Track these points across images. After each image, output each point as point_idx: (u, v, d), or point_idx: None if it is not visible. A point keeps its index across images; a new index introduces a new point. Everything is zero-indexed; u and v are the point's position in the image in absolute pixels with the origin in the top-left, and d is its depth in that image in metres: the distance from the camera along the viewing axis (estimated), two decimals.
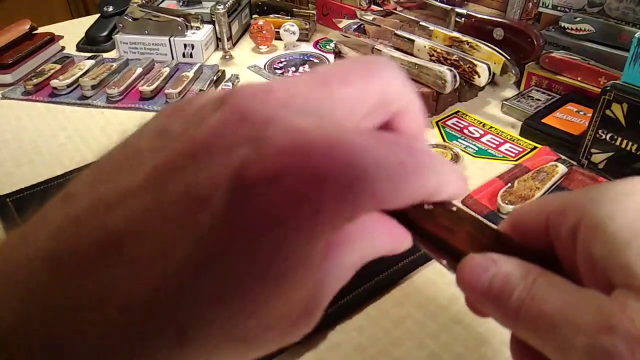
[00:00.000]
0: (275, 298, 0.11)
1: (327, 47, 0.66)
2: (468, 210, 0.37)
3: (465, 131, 0.47)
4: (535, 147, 0.44)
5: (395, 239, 0.14)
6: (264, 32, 0.63)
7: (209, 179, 0.10)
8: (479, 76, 0.46)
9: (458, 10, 0.53)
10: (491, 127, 0.47)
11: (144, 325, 0.10)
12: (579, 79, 0.49)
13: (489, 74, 0.46)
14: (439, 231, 0.15)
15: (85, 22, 0.70)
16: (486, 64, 0.46)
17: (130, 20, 0.60)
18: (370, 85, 0.12)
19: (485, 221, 0.16)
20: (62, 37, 0.65)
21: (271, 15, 0.69)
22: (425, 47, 0.49)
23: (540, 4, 0.53)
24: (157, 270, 0.10)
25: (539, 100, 0.49)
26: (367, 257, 0.13)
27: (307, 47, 0.66)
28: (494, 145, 0.45)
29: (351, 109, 0.12)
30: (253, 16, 0.72)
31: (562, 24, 0.50)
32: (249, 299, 0.10)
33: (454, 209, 0.16)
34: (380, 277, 0.30)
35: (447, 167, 0.13)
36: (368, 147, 0.11)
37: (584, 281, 0.13)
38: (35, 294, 0.10)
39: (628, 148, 0.37)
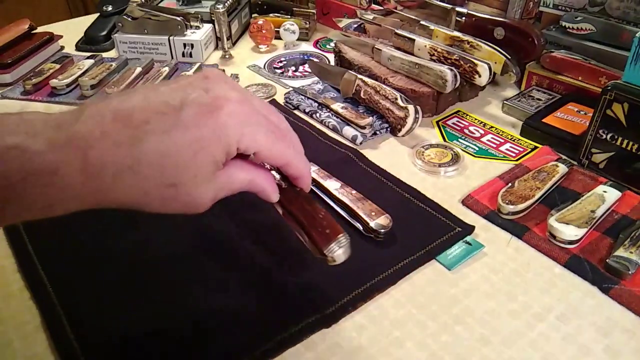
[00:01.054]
0: (188, 166, 0.21)
1: (327, 46, 0.66)
2: (469, 210, 0.37)
3: (466, 131, 0.47)
4: (535, 147, 0.44)
5: (267, 191, 0.25)
6: (263, 31, 0.63)
7: (177, 100, 0.21)
8: (479, 76, 0.46)
9: (459, 9, 0.53)
10: (492, 127, 0.47)
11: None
12: (579, 78, 0.48)
13: (490, 74, 0.46)
14: (282, 200, 0.26)
15: (85, 22, 0.70)
16: (487, 63, 0.46)
17: (129, 19, 0.60)
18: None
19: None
20: (61, 36, 0.65)
21: (271, 15, 0.69)
22: (425, 46, 0.49)
23: (541, 4, 0.53)
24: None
25: (539, 100, 0.49)
26: (245, 188, 0.24)
27: (307, 47, 0.65)
28: (494, 145, 0.45)
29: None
30: (253, 15, 0.72)
31: (563, 24, 0.50)
32: (176, 161, 0.21)
33: (299, 189, 0.27)
34: (380, 277, 0.30)
35: (302, 155, 0.26)
36: (260, 114, 0.24)
37: None
38: (59, 136, 0.20)
39: (629, 148, 0.37)
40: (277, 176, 0.27)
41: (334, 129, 0.47)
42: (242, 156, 0.24)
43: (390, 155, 0.43)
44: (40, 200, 0.19)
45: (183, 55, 0.61)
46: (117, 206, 0.21)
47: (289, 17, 0.69)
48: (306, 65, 0.60)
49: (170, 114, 0.21)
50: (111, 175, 0.20)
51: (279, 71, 0.59)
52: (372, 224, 0.33)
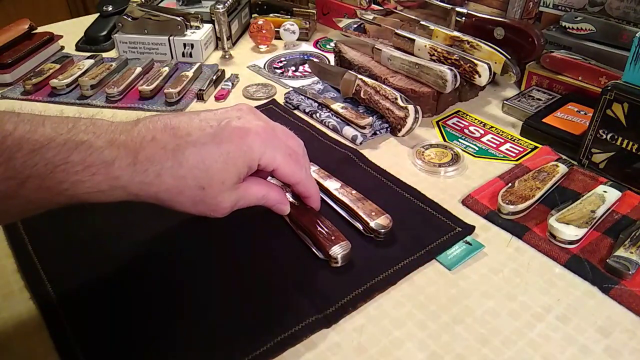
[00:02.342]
0: (217, 173, 0.26)
1: (327, 46, 0.66)
2: (469, 210, 0.37)
3: (466, 131, 0.47)
4: (535, 147, 0.44)
5: (279, 206, 0.31)
6: (263, 31, 0.63)
7: (215, 122, 0.27)
8: (479, 76, 0.46)
9: (459, 9, 0.53)
10: (492, 127, 0.47)
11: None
12: (579, 78, 0.48)
13: (490, 74, 0.46)
14: (295, 215, 0.33)
15: (85, 22, 0.70)
16: (487, 63, 0.46)
17: (129, 19, 0.60)
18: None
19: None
20: (61, 36, 0.65)
21: (271, 15, 0.69)
22: (425, 46, 0.49)
23: (541, 3, 0.53)
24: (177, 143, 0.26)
25: (539, 100, 0.49)
26: (260, 202, 0.30)
27: (307, 47, 0.66)
28: (494, 145, 0.45)
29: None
30: (253, 15, 0.72)
31: (563, 24, 0.50)
32: (208, 168, 0.26)
33: (309, 207, 0.33)
34: (380, 277, 0.30)
35: (312, 178, 0.33)
36: (280, 140, 0.29)
37: None
38: (118, 137, 0.25)
39: (629, 148, 0.37)
40: (291, 198, 0.34)
41: (334, 129, 0.47)
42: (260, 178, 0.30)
43: (390, 155, 0.43)
44: (96, 185, 0.24)
45: (183, 55, 0.61)
46: (154, 201, 0.26)
47: (289, 17, 0.69)
48: (306, 65, 0.60)
49: (209, 131, 0.26)
50: (154, 172, 0.24)
51: (279, 71, 0.59)
52: (372, 224, 0.33)
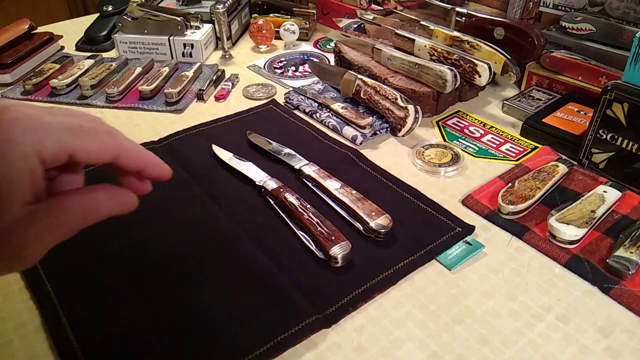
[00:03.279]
0: None
1: (327, 46, 0.66)
2: (469, 210, 0.37)
3: (466, 131, 0.47)
4: (535, 147, 0.44)
5: (120, 202, 0.21)
6: (263, 31, 0.63)
7: None
8: (479, 76, 0.46)
9: (459, 9, 0.53)
10: (492, 127, 0.47)
11: None
12: (579, 78, 0.48)
13: (490, 74, 0.46)
14: (295, 214, 0.33)
15: (85, 22, 0.70)
16: (487, 63, 0.46)
17: (129, 19, 0.60)
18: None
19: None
20: (61, 36, 0.65)
21: (271, 15, 0.69)
22: (425, 46, 0.49)
23: (541, 3, 0.53)
24: None
25: (539, 100, 0.49)
26: (89, 219, 0.20)
27: (307, 47, 0.66)
28: (494, 145, 0.45)
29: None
30: (253, 15, 0.72)
31: (563, 24, 0.50)
32: None
33: (308, 206, 0.34)
34: (380, 277, 0.30)
35: (134, 145, 0.21)
36: (56, 114, 0.19)
37: None
38: None
39: (629, 148, 0.37)
40: (292, 198, 0.34)
41: (334, 129, 0.47)
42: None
43: (390, 155, 0.43)
44: None
45: (183, 55, 0.61)
46: None
47: (289, 17, 0.69)
48: (306, 65, 0.60)
49: None
50: None
51: (279, 71, 0.59)
52: (372, 224, 0.33)
